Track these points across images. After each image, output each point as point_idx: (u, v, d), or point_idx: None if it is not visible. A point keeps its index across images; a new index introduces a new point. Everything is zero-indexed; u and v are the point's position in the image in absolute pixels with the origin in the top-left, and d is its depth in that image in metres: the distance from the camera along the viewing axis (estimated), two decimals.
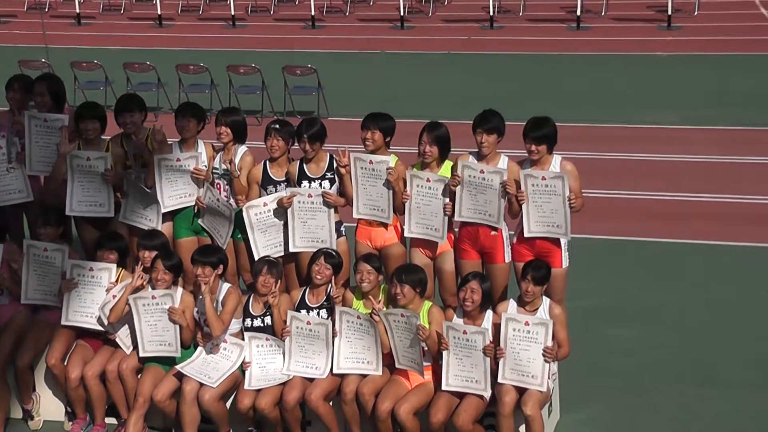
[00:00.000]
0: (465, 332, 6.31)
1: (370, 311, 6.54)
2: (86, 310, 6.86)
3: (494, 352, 6.31)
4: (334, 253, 6.73)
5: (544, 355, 6.25)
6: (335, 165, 6.93)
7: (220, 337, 6.66)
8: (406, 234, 6.87)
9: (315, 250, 6.81)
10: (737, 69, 15.83)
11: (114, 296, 6.79)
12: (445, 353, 6.37)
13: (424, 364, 6.45)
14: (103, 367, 6.80)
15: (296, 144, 7.05)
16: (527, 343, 6.27)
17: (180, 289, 6.82)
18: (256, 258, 6.95)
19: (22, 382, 6.93)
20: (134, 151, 7.36)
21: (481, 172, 6.62)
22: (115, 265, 6.91)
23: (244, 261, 7.21)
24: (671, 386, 7.28)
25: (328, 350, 6.59)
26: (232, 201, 7.13)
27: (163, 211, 7.21)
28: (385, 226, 6.91)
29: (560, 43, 17.99)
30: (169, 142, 7.33)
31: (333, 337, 6.56)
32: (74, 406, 6.92)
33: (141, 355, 6.72)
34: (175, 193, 7.19)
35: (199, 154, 7.21)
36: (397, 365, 6.50)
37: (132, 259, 7.17)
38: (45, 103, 7.68)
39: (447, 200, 6.71)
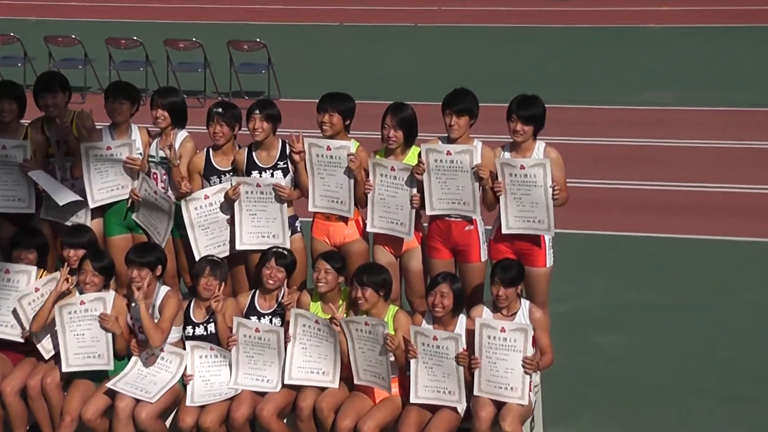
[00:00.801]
0: (435, 338, 6.36)
1: (328, 317, 6.57)
2: (1, 318, 6.81)
3: (468, 361, 6.35)
4: (285, 253, 6.75)
5: (523, 365, 6.30)
6: (288, 152, 6.93)
7: (159, 347, 6.67)
8: (368, 229, 6.89)
9: (265, 247, 6.83)
10: (740, 42, 16.00)
11: (37, 289, 6.75)
12: (413, 362, 6.40)
13: (391, 376, 6.47)
14: (24, 382, 6.74)
15: (244, 128, 7.04)
16: (504, 351, 6.31)
17: (112, 293, 6.80)
18: (197, 258, 6.94)
19: None
20: (57, 137, 7.30)
21: (448, 153, 6.64)
22: (34, 267, 6.86)
23: (184, 261, 7.21)
24: (665, 397, 7.37)
25: (280, 361, 6.60)
26: (170, 193, 7.11)
27: (93, 206, 7.17)
28: (345, 220, 6.93)
29: (541, 15, 18.11)
30: (99, 128, 7.29)
31: (285, 345, 6.58)
32: None
33: (64, 369, 6.66)
34: (105, 185, 7.15)
35: (133, 141, 7.17)
36: (356, 381, 6.51)
37: (55, 260, 7.13)
38: None
39: (414, 191, 6.74)
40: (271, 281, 6.68)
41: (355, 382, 6.51)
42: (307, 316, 6.59)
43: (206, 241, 7.00)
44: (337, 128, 6.88)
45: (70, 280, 6.76)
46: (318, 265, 6.61)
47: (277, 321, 6.73)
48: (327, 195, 6.86)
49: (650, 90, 14.04)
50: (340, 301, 6.67)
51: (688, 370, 7.70)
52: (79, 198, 7.12)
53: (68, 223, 7.18)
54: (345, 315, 6.58)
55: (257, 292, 6.82)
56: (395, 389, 6.51)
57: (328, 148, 6.83)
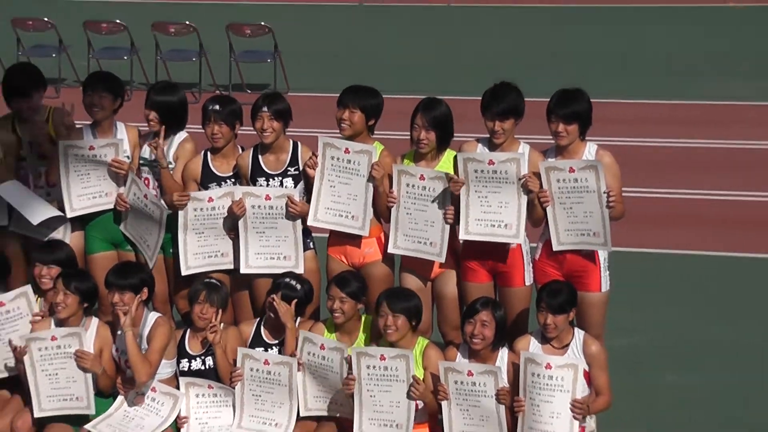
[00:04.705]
0: (470, 373, 6.38)
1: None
2: None
3: (511, 401, 6.38)
4: (297, 286, 6.74)
5: (572, 409, 6.32)
6: (301, 162, 6.95)
7: (146, 383, 6.71)
8: (390, 250, 6.91)
9: (273, 271, 6.87)
10: None
11: (2, 303, 6.82)
12: (444, 405, 6.42)
13: (412, 421, 6.45)
14: None
15: (245, 126, 7.09)
16: (550, 391, 6.33)
17: (94, 321, 6.87)
18: (183, 269, 6.99)
19: None
20: (31, 138, 7.36)
21: (490, 162, 6.68)
22: None
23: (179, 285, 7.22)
24: None
25: (291, 401, 6.65)
26: (162, 201, 7.12)
27: (71, 215, 7.23)
28: (363, 237, 6.94)
29: None
30: (79, 126, 7.37)
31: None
32: None
33: (37, 415, 6.73)
34: (86, 191, 7.22)
35: (120, 140, 7.24)
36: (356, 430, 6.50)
37: (27, 280, 7.14)
38: None
39: (448, 205, 6.75)
40: (272, 314, 6.74)
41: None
42: (313, 341, 6.63)
43: (197, 248, 7.04)
44: (357, 128, 6.91)
45: (43, 313, 6.84)
46: (331, 293, 6.65)
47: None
48: (335, 208, 6.90)
49: (724, 80, 13.97)
50: (360, 333, 6.73)
51: None
52: (56, 213, 7.19)
53: (42, 238, 7.21)
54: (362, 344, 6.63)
55: (263, 320, 6.88)
56: None
57: (347, 151, 6.87)
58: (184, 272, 7.03)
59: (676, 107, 13.28)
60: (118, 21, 14.53)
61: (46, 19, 14.73)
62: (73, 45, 14.66)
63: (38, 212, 7.18)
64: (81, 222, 7.29)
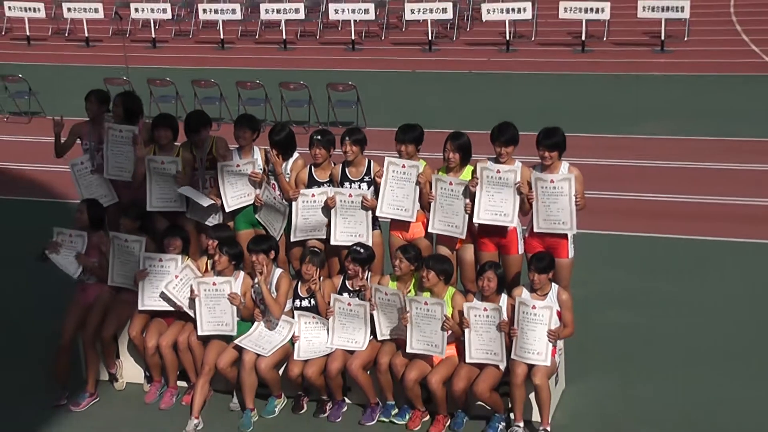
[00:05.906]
0: (485, 309, 6.36)
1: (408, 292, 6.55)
2: (156, 294, 6.95)
3: (508, 329, 6.33)
4: (361, 251, 6.68)
5: (547, 335, 6.25)
6: (373, 173, 6.92)
7: (279, 318, 6.72)
8: (429, 230, 6.86)
9: (352, 243, 6.82)
10: (720, 87, 15.70)
11: (176, 276, 6.87)
12: (467, 331, 6.40)
13: (446, 343, 6.43)
14: (175, 339, 6.92)
15: (338, 149, 7.06)
16: (534, 324, 6.28)
17: (242, 273, 6.90)
18: (293, 238, 6.97)
19: (107, 350, 7.11)
20: (201, 156, 7.40)
21: (498, 171, 6.62)
22: (179, 256, 6.97)
23: (294, 251, 7.21)
24: (663, 362, 7.24)
25: (366, 327, 6.63)
26: (285, 200, 7.13)
27: (228, 210, 7.24)
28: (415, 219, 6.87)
29: (567, 65, 17.93)
30: (230, 150, 7.38)
31: (371, 314, 6.57)
32: (152, 371, 7.06)
33: (199, 333, 6.78)
34: (236, 194, 7.23)
35: (255, 159, 7.24)
36: (407, 350, 6.43)
37: (197, 248, 7.21)
38: (118, 114, 7.79)
39: (467, 201, 6.70)
40: (350, 272, 6.72)
41: (407, 350, 6.43)
42: (380, 289, 6.57)
43: (302, 226, 7.00)
44: (411, 154, 6.89)
45: (207, 265, 6.89)
46: (396, 255, 6.62)
47: (360, 296, 6.74)
48: (394, 204, 6.84)
49: (651, 123, 13.80)
50: (411, 285, 6.67)
51: (686, 341, 7.54)
52: (214, 203, 7.23)
53: (207, 222, 7.27)
54: (413, 293, 6.56)
55: (346, 275, 6.84)
56: (451, 351, 6.49)
57: (403, 166, 6.83)
58: (293, 239, 7.03)
59: (618, 139, 13.14)
60: (257, 81, 14.58)
61: (212, 80, 14.82)
62: (228, 96, 14.73)
63: (204, 201, 7.20)
64: (231, 213, 7.29)
